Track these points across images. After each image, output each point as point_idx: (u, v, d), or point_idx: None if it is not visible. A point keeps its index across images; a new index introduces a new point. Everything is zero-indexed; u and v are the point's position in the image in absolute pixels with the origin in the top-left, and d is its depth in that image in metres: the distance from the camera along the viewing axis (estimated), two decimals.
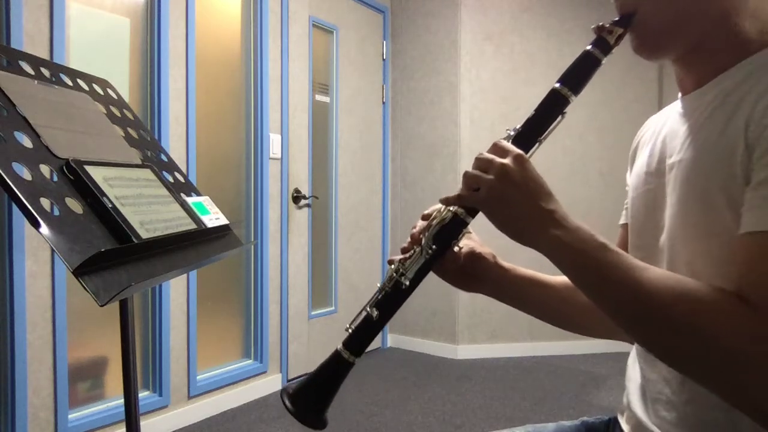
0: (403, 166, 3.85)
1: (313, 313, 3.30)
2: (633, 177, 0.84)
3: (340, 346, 0.73)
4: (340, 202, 3.49)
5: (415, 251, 0.75)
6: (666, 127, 0.77)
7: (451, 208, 0.73)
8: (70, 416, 2.10)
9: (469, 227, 0.76)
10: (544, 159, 3.63)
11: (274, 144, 2.95)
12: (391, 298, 0.73)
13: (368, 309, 0.74)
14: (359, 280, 3.67)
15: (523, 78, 3.63)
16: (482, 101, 3.62)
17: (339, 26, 3.44)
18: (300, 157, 3.14)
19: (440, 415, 2.66)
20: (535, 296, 0.88)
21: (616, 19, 0.72)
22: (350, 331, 0.74)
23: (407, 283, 0.73)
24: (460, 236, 0.74)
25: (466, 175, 0.69)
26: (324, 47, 3.40)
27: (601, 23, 0.71)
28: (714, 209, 0.63)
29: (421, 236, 0.75)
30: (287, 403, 0.72)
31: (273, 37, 2.94)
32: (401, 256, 0.76)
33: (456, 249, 0.79)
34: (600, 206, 3.59)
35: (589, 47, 0.72)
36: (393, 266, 0.75)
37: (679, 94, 0.77)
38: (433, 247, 0.73)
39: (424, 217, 0.77)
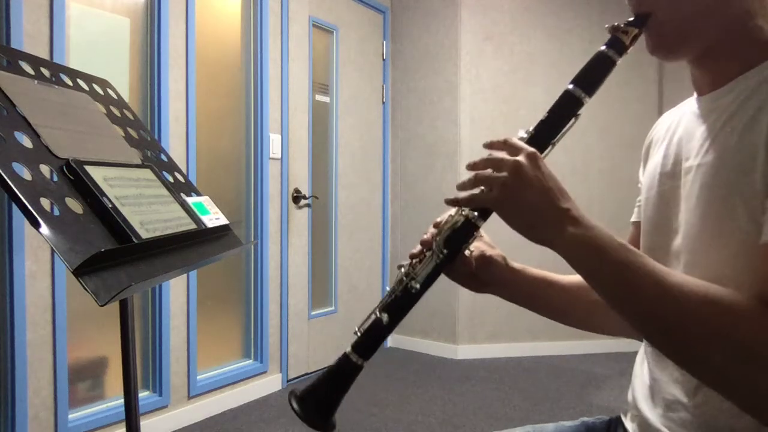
0: (403, 166, 3.85)
1: (313, 313, 3.30)
2: (646, 176, 0.82)
3: (348, 349, 0.73)
4: (340, 202, 3.49)
5: (425, 255, 0.74)
6: (681, 128, 0.76)
7: (463, 212, 0.71)
8: (70, 416, 2.10)
9: (480, 230, 0.75)
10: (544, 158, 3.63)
11: (274, 144, 2.95)
12: (400, 302, 0.73)
13: (377, 312, 0.73)
14: (359, 280, 3.67)
15: (523, 78, 3.63)
16: (482, 101, 3.62)
17: (339, 26, 3.44)
18: (300, 157, 3.14)
19: (440, 415, 2.66)
20: (546, 297, 0.88)
21: (631, 19, 0.70)
22: (359, 334, 0.73)
23: (417, 287, 0.72)
24: (471, 240, 0.73)
25: (478, 175, 0.68)
26: (324, 47, 3.40)
27: (615, 23, 0.70)
28: (733, 216, 0.62)
29: (432, 240, 0.74)
30: (295, 405, 0.71)
31: (273, 37, 2.94)
32: (410, 261, 0.75)
33: (467, 253, 0.78)
34: (600, 206, 3.59)
35: (603, 48, 0.70)
36: (403, 270, 0.74)
37: (695, 95, 0.76)
38: (444, 251, 0.72)
39: (436, 225, 0.76)
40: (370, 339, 0.73)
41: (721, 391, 0.58)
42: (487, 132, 3.59)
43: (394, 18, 3.86)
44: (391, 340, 3.88)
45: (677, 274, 0.60)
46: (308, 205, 3.20)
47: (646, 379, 0.78)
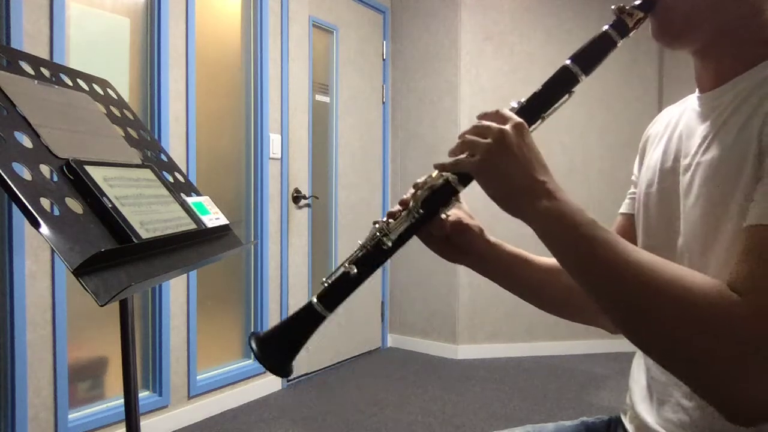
0: (403, 166, 3.85)
1: None
2: (644, 171, 0.82)
3: (314, 298, 0.72)
4: (340, 202, 3.49)
5: (401, 214, 0.73)
6: (681, 124, 0.76)
7: (444, 174, 0.71)
8: (70, 416, 2.10)
9: (461, 199, 0.75)
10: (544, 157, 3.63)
11: (274, 144, 2.95)
12: (370, 258, 0.73)
13: (347, 265, 0.73)
14: None
15: (523, 78, 3.63)
16: (482, 101, 3.62)
17: (339, 26, 3.44)
18: (300, 157, 3.14)
19: (440, 415, 2.66)
20: (518, 274, 0.87)
21: (638, 2, 0.70)
22: (326, 285, 0.73)
23: (389, 244, 0.72)
24: (450, 204, 0.73)
25: (465, 140, 0.68)
26: (324, 47, 3.40)
27: (621, 4, 0.70)
28: (730, 216, 0.62)
29: (410, 200, 0.74)
30: (254, 347, 0.72)
31: (273, 37, 2.94)
32: (386, 219, 0.75)
33: (443, 216, 0.78)
34: (600, 206, 3.58)
35: (606, 27, 0.70)
36: (377, 225, 0.73)
37: (696, 92, 0.75)
38: (420, 211, 0.72)
39: (416, 186, 0.75)
40: (337, 291, 0.72)
41: (683, 377, 0.57)
42: None
43: (394, 18, 3.86)
44: (391, 340, 3.88)
45: (647, 253, 0.60)
46: (308, 205, 3.20)
47: (643, 379, 0.78)
